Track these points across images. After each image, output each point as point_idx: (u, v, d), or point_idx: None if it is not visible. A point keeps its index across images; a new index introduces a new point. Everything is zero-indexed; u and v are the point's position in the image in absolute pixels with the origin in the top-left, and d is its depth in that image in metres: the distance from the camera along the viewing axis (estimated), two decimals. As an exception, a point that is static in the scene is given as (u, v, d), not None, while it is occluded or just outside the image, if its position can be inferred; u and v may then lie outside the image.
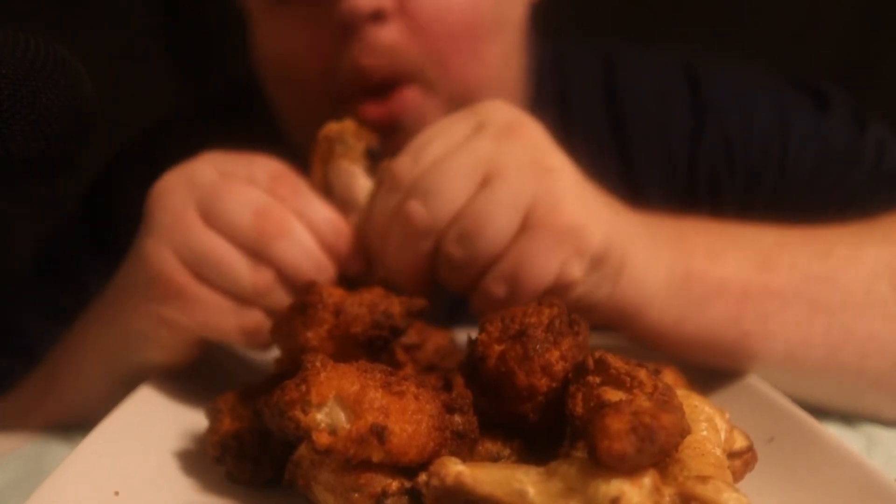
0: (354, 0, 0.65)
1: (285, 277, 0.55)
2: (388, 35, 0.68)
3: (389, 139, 0.66)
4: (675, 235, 0.59)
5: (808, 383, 0.59)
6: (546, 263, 0.52)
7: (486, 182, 0.52)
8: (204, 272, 0.54)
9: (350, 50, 0.68)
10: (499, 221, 0.52)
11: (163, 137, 0.92)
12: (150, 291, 0.55)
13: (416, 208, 0.53)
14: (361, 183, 0.59)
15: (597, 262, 0.54)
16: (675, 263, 0.57)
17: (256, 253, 0.54)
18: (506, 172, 0.52)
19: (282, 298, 0.54)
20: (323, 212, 0.57)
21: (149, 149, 0.84)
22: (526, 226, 0.52)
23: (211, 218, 0.54)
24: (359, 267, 0.58)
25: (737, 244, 0.60)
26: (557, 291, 0.54)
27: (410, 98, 0.70)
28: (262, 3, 0.74)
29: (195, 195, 0.55)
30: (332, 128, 0.60)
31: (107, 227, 0.63)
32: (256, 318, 0.55)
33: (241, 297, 0.54)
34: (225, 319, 0.54)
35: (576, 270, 0.53)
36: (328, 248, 0.56)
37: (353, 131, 0.60)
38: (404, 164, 0.54)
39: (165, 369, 0.59)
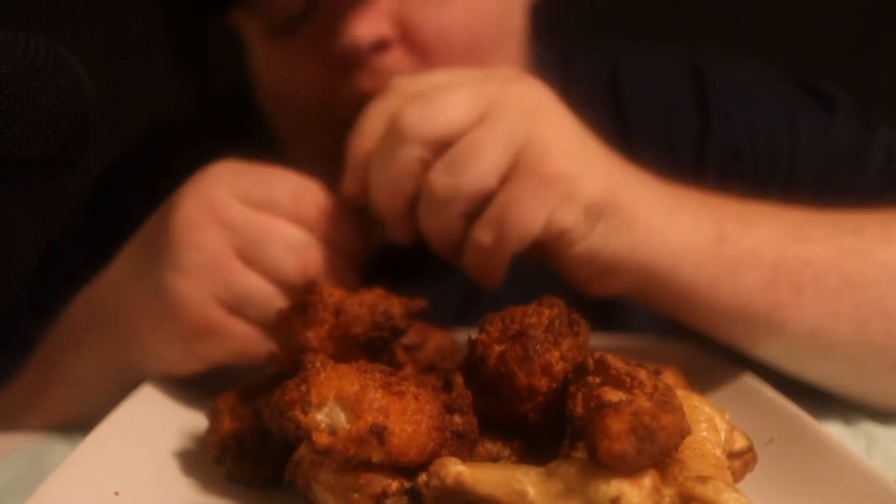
0: (355, 33, 0.65)
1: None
2: (391, 61, 0.67)
3: None
4: (702, 200, 0.59)
5: (830, 361, 0.59)
6: (533, 208, 0.51)
7: (483, 117, 0.52)
8: (243, 310, 0.55)
9: (353, 79, 0.68)
10: (488, 156, 0.51)
11: (165, 139, 0.92)
12: (180, 327, 0.55)
13: (410, 112, 0.52)
14: None
15: (595, 211, 0.53)
16: (704, 223, 0.57)
17: (295, 292, 0.54)
18: (504, 112, 0.52)
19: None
20: (348, 232, 0.57)
21: (151, 151, 0.84)
22: (516, 169, 0.52)
23: (250, 262, 0.55)
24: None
25: (769, 215, 0.59)
26: (557, 242, 0.53)
27: None
28: (261, 35, 0.73)
29: (230, 237, 0.54)
30: None
31: (109, 229, 0.63)
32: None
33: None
34: (258, 348, 0.55)
35: (567, 217, 0.52)
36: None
37: None
38: (407, 79, 0.56)
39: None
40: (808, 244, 0.58)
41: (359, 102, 0.65)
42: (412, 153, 0.53)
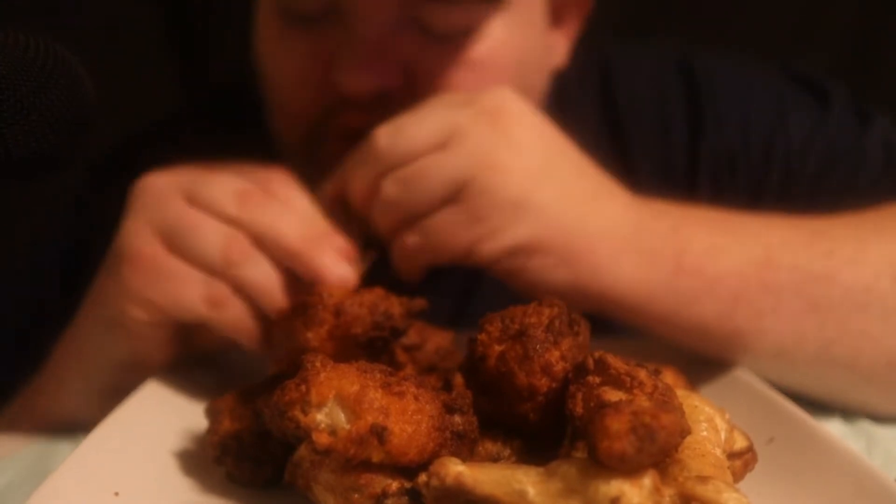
0: (362, 80, 0.65)
1: (265, 244, 0.55)
2: (388, 106, 0.65)
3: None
4: (672, 226, 0.59)
5: (800, 376, 0.60)
6: (455, 236, 0.56)
7: (445, 144, 0.56)
8: (176, 244, 0.54)
9: (342, 109, 0.68)
10: (430, 182, 0.55)
11: (146, 144, 0.91)
12: (120, 269, 0.55)
13: (381, 134, 0.57)
14: None
15: (525, 249, 0.57)
16: (662, 258, 0.58)
17: (233, 222, 0.55)
18: (460, 144, 0.56)
19: (256, 268, 0.54)
20: (294, 221, 0.56)
21: (131, 155, 0.83)
22: (459, 195, 0.56)
23: (193, 200, 0.55)
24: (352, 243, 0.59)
25: (740, 239, 0.60)
26: (491, 267, 0.58)
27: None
28: (275, 11, 0.72)
29: (179, 182, 0.56)
30: None
31: (94, 231, 0.63)
32: (222, 290, 0.54)
33: (210, 267, 0.54)
34: (191, 290, 0.54)
35: (488, 253, 0.57)
36: (307, 252, 0.55)
37: None
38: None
39: (145, 370, 0.58)
40: (773, 272, 0.58)
41: (343, 106, 0.68)
42: (375, 170, 0.57)
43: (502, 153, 0.56)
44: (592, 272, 0.57)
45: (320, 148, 0.70)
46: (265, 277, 0.54)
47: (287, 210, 0.56)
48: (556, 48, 0.81)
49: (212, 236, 0.54)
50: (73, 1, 1.28)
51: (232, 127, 0.82)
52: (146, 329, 0.56)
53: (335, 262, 0.55)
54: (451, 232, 0.56)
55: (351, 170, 0.59)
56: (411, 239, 0.57)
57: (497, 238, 0.56)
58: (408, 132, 0.57)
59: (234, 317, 0.54)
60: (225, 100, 0.95)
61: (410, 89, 0.67)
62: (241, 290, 0.54)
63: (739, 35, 1.35)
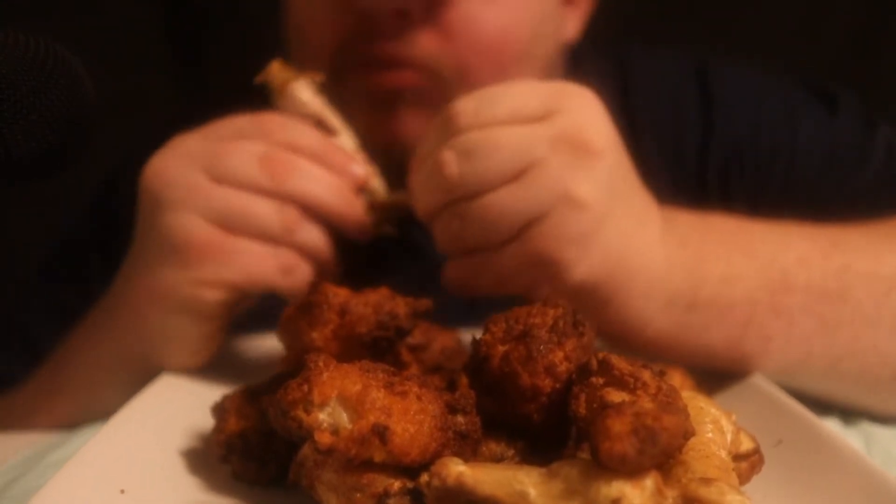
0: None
1: (309, 209, 0.58)
2: (411, 34, 0.66)
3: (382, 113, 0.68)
4: (693, 259, 0.57)
5: (807, 388, 0.59)
6: (511, 277, 0.55)
7: (518, 176, 0.52)
8: (232, 225, 0.56)
9: (371, 39, 0.67)
10: (497, 223, 0.53)
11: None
12: (182, 259, 0.56)
13: (449, 159, 0.53)
14: (307, 97, 0.63)
15: (587, 289, 0.54)
16: (679, 294, 0.56)
17: (275, 194, 0.57)
18: (537, 178, 0.52)
19: (311, 232, 0.58)
20: (312, 136, 0.59)
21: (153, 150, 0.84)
22: (521, 236, 0.53)
23: (221, 179, 0.56)
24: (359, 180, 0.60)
25: (756, 261, 0.58)
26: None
27: (412, 80, 0.69)
28: None
29: (196, 164, 0.57)
30: (262, 76, 0.64)
31: (112, 229, 0.64)
32: (291, 257, 0.57)
33: (273, 238, 0.57)
34: (263, 263, 0.56)
35: (543, 294, 0.52)
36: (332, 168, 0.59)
37: (277, 68, 0.64)
38: (465, 110, 0.54)
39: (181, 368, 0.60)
40: (786, 295, 0.57)
41: (365, 59, 0.67)
42: (443, 197, 0.55)
43: (580, 186, 0.52)
44: (621, 312, 0.56)
45: (345, 83, 0.69)
46: (320, 238, 0.58)
47: (312, 167, 0.58)
48: (568, 24, 0.82)
49: (264, 211, 0.56)
50: (73, 1, 1.29)
51: None
52: (220, 309, 0.58)
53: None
54: (512, 272, 0.54)
55: (418, 184, 0.57)
56: (466, 268, 0.56)
57: (558, 279, 0.54)
58: (481, 161, 0.52)
59: (303, 278, 0.57)
60: (225, 103, 0.96)
61: (435, 21, 0.67)
62: (305, 254, 0.58)
63: (741, 35, 1.35)
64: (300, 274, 0.57)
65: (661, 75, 0.88)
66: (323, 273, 0.59)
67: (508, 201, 0.52)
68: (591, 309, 0.54)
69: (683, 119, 0.84)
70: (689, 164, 0.83)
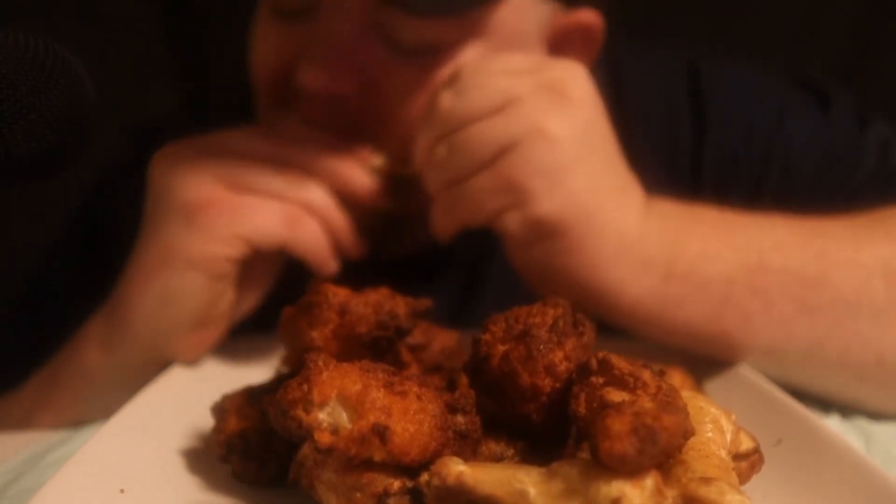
0: (308, 79, 0.65)
1: (312, 173, 0.62)
2: (340, 106, 0.67)
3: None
4: (671, 237, 0.60)
5: (792, 373, 0.60)
6: (483, 202, 0.58)
7: (500, 110, 0.57)
8: (239, 184, 0.60)
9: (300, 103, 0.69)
10: (477, 147, 0.57)
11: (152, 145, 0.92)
12: (193, 217, 0.59)
13: (444, 96, 0.59)
14: None
15: (542, 230, 0.57)
16: (654, 263, 0.59)
17: (279, 160, 0.62)
18: (514, 110, 0.57)
19: (315, 191, 0.62)
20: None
21: (138, 157, 0.85)
22: (493, 164, 0.57)
23: (229, 153, 0.62)
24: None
25: (734, 243, 0.60)
26: (503, 238, 0.60)
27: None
28: (264, 10, 0.73)
29: (207, 149, 0.62)
30: None
31: (103, 236, 0.66)
32: (296, 211, 0.61)
33: (278, 195, 0.61)
34: (270, 216, 0.60)
35: (510, 224, 0.58)
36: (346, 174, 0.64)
37: None
38: (469, 65, 0.61)
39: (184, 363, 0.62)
40: (763, 275, 0.59)
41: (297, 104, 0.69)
42: (435, 133, 0.60)
43: (553, 122, 0.57)
44: (590, 268, 0.58)
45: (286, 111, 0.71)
46: (324, 196, 0.63)
47: (315, 141, 0.64)
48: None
49: (269, 170, 0.61)
50: (73, 1, 1.29)
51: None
52: (229, 266, 0.61)
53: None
54: (478, 199, 0.58)
55: (417, 130, 0.62)
56: (447, 200, 0.60)
57: (525, 208, 0.57)
58: (469, 97, 0.58)
59: (311, 233, 0.62)
60: (223, 100, 0.96)
61: (366, 100, 0.66)
62: (310, 209, 0.62)
63: (740, 35, 1.35)
64: (306, 227, 0.61)
65: (654, 76, 0.88)
66: (336, 237, 0.63)
67: (487, 130, 0.57)
68: (563, 265, 0.58)
69: (675, 118, 0.84)
70: (683, 162, 0.83)
